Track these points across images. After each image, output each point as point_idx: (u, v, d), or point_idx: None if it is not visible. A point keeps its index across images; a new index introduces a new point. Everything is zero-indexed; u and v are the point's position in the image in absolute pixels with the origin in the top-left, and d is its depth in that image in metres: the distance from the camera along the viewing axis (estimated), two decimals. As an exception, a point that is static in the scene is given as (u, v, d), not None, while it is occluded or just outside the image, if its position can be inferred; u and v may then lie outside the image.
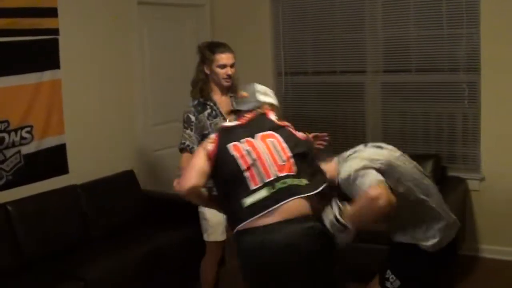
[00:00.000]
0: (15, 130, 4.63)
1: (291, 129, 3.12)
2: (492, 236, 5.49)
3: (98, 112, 5.34)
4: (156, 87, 5.97)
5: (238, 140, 2.97)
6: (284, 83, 6.56)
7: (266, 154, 2.92)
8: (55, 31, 4.90)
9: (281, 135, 3.02)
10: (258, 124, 3.08)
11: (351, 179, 2.96)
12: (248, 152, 2.92)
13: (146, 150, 5.86)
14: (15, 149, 4.63)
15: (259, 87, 3.37)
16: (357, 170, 2.95)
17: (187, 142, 4.08)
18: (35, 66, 4.77)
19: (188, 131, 4.11)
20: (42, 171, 4.84)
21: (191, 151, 3.99)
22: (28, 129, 4.73)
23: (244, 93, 3.36)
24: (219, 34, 6.56)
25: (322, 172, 3.08)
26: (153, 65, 5.98)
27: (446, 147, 5.72)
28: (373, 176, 2.91)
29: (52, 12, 4.87)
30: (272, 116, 3.18)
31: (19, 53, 4.66)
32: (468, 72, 5.52)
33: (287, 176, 2.88)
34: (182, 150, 4.10)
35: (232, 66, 4.18)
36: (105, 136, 5.35)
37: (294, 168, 2.92)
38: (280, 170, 2.88)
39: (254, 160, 2.89)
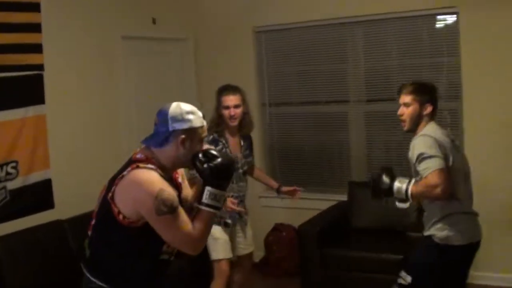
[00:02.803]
0: (1, 166, 4.61)
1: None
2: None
3: (83, 146, 5.35)
4: (142, 121, 5.97)
5: None
6: (269, 114, 6.61)
7: None
8: (40, 67, 4.92)
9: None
10: None
11: (417, 160, 3.58)
12: None
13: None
14: (0, 185, 4.61)
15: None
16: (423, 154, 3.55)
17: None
18: (20, 102, 4.77)
19: None
20: (28, 206, 4.82)
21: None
22: (14, 164, 4.72)
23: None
24: (203, 67, 6.65)
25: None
26: (139, 98, 6.00)
27: (431, 174, 5.75)
28: (435, 163, 3.47)
29: (37, 48, 4.89)
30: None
31: (4, 88, 4.66)
32: (449, 100, 5.60)
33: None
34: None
35: (236, 107, 4.56)
36: (90, 170, 5.32)
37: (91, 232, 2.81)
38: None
39: None
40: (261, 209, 6.26)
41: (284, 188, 4.92)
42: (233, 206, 4.36)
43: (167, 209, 2.53)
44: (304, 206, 6.00)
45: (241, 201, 4.73)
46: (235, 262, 4.98)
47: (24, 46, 4.79)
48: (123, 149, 5.80)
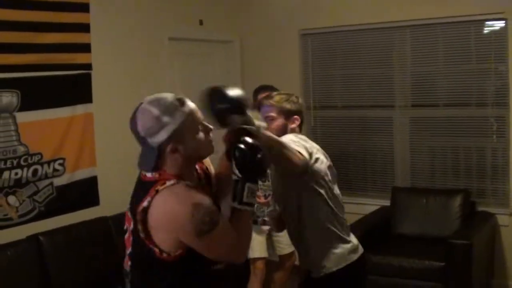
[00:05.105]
0: (48, 162, 4.72)
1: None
2: (523, 272, 5.43)
3: (129, 145, 5.37)
4: (186, 121, 6.05)
5: None
6: (313, 117, 6.60)
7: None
8: (88, 66, 5.02)
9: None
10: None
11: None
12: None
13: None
14: (47, 181, 4.73)
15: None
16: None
17: None
18: (68, 100, 4.88)
19: None
20: (74, 203, 4.92)
21: None
22: (61, 161, 4.83)
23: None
24: (249, 69, 6.67)
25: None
26: (184, 99, 6.06)
27: (475, 181, 5.69)
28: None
29: (85, 48, 4.99)
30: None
31: (53, 87, 4.77)
32: (497, 107, 5.52)
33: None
34: None
35: None
36: (136, 169, 5.39)
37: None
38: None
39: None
40: (303, 212, 6.25)
41: None
42: (259, 200, 4.54)
43: (208, 227, 2.17)
44: (346, 210, 5.98)
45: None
46: (277, 262, 5.02)
47: (73, 45, 4.89)
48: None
